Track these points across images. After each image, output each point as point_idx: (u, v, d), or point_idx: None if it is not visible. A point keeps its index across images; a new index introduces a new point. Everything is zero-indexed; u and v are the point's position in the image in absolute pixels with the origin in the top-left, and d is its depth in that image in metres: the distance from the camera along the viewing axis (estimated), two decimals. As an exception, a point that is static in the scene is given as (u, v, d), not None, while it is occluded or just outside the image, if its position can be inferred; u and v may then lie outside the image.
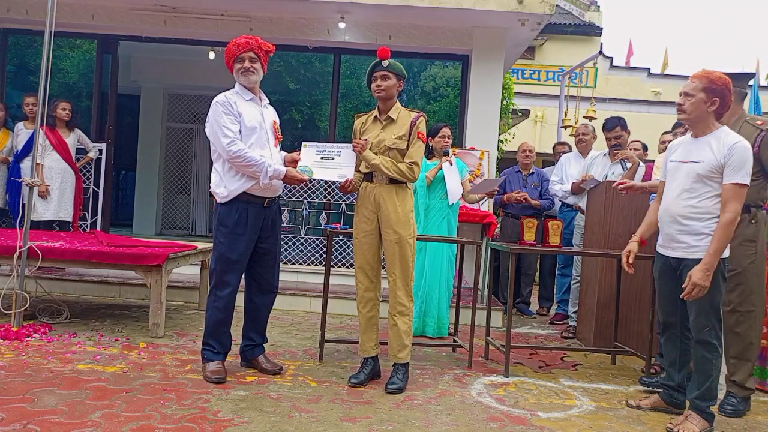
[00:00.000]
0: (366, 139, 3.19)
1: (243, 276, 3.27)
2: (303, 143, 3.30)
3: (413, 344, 4.06)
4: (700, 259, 2.72)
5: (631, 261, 3.02)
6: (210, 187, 3.22)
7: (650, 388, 3.40)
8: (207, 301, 3.19)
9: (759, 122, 3.15)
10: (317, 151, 3.25)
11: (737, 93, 3.19)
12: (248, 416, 2.59)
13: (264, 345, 3.40)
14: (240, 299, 3.27)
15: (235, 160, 3.05)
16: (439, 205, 4.44)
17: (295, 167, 3.26)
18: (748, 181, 2.70)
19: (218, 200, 3.16)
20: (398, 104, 3.24)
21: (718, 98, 2.76)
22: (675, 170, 2.89)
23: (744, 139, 2.74)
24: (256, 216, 3.17)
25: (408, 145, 3.15)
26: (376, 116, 3.25)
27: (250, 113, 3.16)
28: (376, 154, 3.16)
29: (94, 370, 3.12)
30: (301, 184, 3.27)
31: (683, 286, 2.74)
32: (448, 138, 4.49)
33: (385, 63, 3.13)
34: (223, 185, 3.12)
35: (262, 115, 3.23)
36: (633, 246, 3.04)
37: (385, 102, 3.20)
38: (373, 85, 3.18)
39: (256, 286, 3.32)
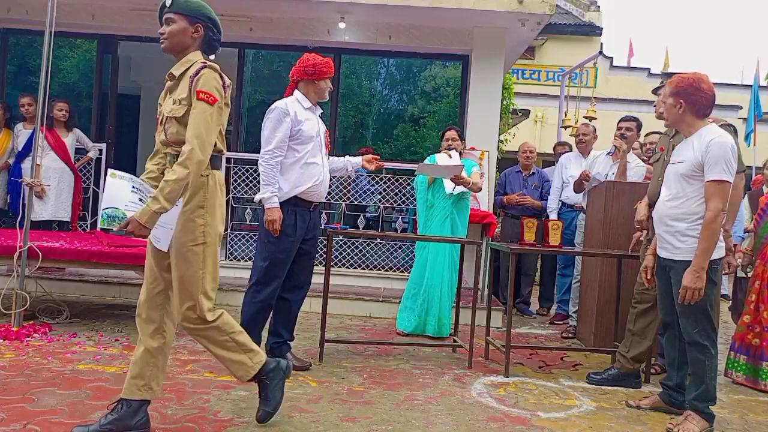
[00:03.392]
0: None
1: None
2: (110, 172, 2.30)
3: (414, 344, 4.07)
4: (683, 261, 2.73)
5: (649, 277, 3.05)
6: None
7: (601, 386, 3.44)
8: (245, 298, 3.23)
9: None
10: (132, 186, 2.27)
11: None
12: (248, 416, 2.59)
13: (290, 343, 3.42)
14: None
15: (262, 166, 3.19)
16: (442, 204, 4.43)
17: (372, 167, 3.59)
18: (728, 178, 2.66)
19: None
20: (191, 56, 2.47)
21: (682, 99, 2.80)
22: (667, 172, 2.95)
23: (723, 135, 2.72)
24: (303, 218, 3.28)
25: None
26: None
27: (310, 122, 3.31)
28: (160, 124, 2.38)
29: (94, 370, 3.12)
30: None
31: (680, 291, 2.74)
32: (452, 140, 4.55)
33: (168, 1, 2.40)
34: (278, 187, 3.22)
35: (318, 124, 3.38)
36: (649, 261, 3.05)
37: (176, 56, 2.47)
38: None
39: (288, 283, 3.36)
